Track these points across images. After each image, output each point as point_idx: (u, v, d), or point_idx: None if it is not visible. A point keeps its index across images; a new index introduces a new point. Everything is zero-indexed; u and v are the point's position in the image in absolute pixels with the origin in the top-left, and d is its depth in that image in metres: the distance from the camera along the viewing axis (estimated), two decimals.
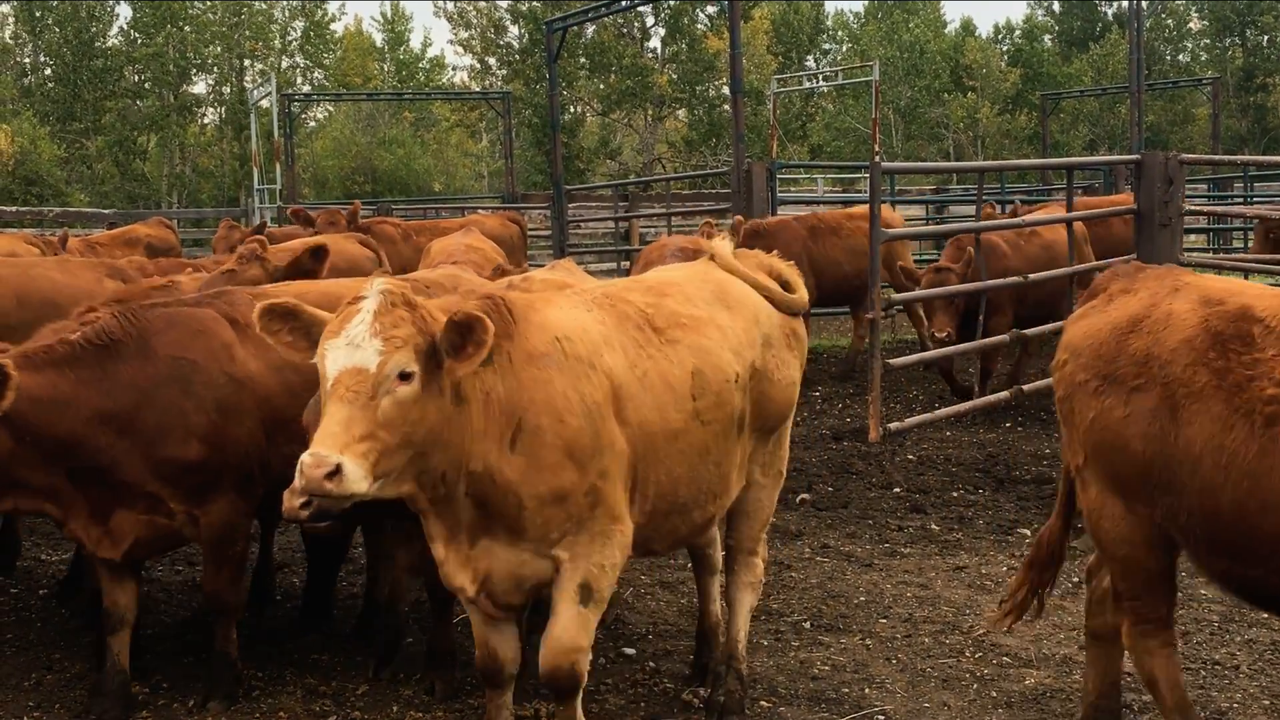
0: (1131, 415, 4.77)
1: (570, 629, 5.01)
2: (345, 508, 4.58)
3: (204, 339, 5.95)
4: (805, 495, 10.10)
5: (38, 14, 51.37)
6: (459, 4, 55.48)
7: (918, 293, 12.32)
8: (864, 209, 15.27)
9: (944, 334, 12.15)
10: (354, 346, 4.44)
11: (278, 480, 6.04)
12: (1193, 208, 13.17)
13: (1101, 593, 5.45)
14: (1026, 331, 13.14)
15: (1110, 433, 4.85)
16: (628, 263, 18.24)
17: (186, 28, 51.78)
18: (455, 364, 4.54)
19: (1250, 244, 14.88)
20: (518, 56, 53.68)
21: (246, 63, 54.74)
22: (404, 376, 4.46)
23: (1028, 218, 14.00)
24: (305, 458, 4.29)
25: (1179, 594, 7.64)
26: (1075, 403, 5.03)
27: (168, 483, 5.76)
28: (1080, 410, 4.99)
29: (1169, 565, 5.03)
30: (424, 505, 4.84)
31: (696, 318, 5.55)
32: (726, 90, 44.90)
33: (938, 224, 23.55)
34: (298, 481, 4.32)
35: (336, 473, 4.28)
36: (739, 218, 15.25)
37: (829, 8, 71.03)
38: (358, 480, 4.34)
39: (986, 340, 12.34)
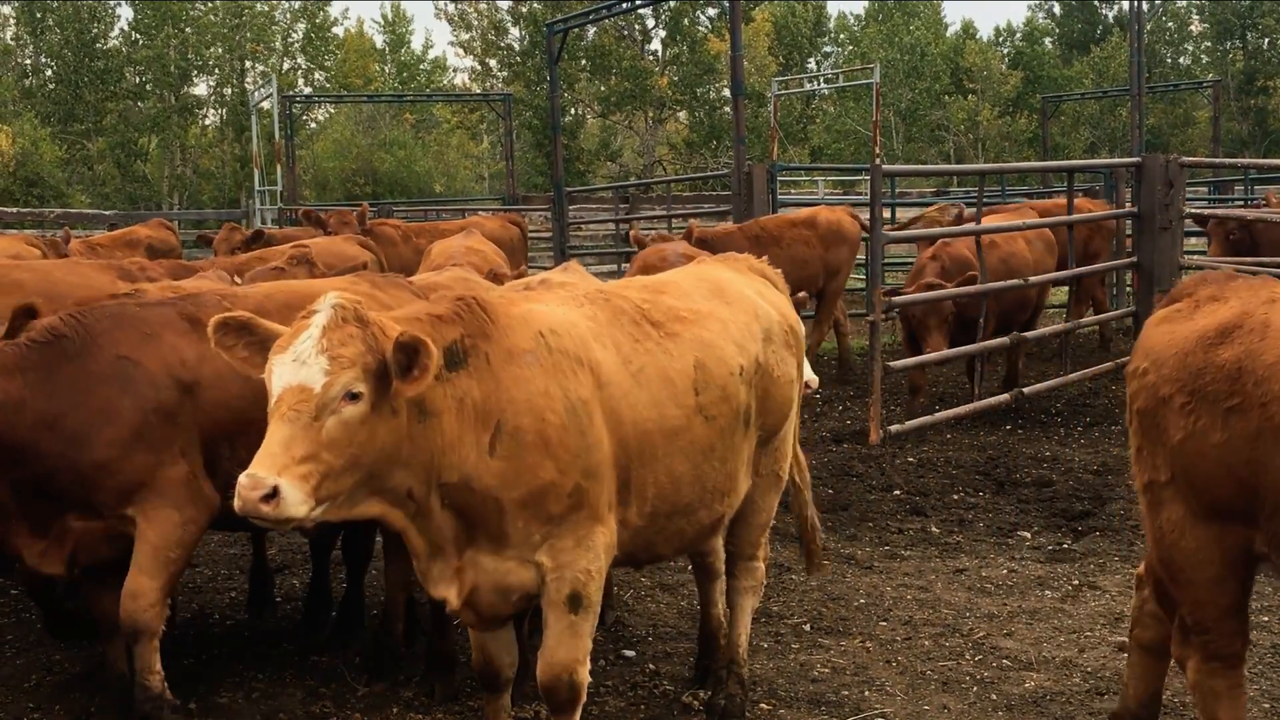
0: (1231, 440, 4.38)
1: (565, 642, 4.89)
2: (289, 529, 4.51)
3: (152, 341, 5.76)
4: None
5: (39, 15, 51.45)
6: (460, 6, 55.59)
7: (919, 295, 12.29)
8: (806, 214, 15.16)
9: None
10: (300, 363, 4.31)
11: (226, 490, 5.95)
12: (1193, 210, 13.17)
13: (1154, 604, 5.18)
14: (1027, 334, 13.15)
15: (1206, 457, 4.45)
16: (628, 264, 18.23)
17: (188, 29, 51.87)
18: (403, 385, 4.38)
19: (1211, 246, 14.53)
20: (518, 58, 53.74)
21: (248, 64, 54.84)
22: (351, 396, 4.32)
23: (1028, 220, 13.99)
24: (242, 479, 4.18)
25: None
26: (1160, 419, 4.63)
27: (100, 488, 5.54)
28: (1167, 428, 4.59)
29: (1247, 596, 4.70)
30: (400, 524, 4.68)
31: (696, 311, 5.48)
32: (727, 92, 44.92)
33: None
34: (235, 503, 4.20)
35: (273, 496, 4.15)
36: (693, 222, 15.19)
37: (830, 9, 71.07)
38: (296, 504, 4.20)
39: (985, 343, 12.34)
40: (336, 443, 4.31)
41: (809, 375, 8.39)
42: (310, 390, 4.27)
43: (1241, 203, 24.27)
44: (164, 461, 5.68)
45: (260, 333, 4.56)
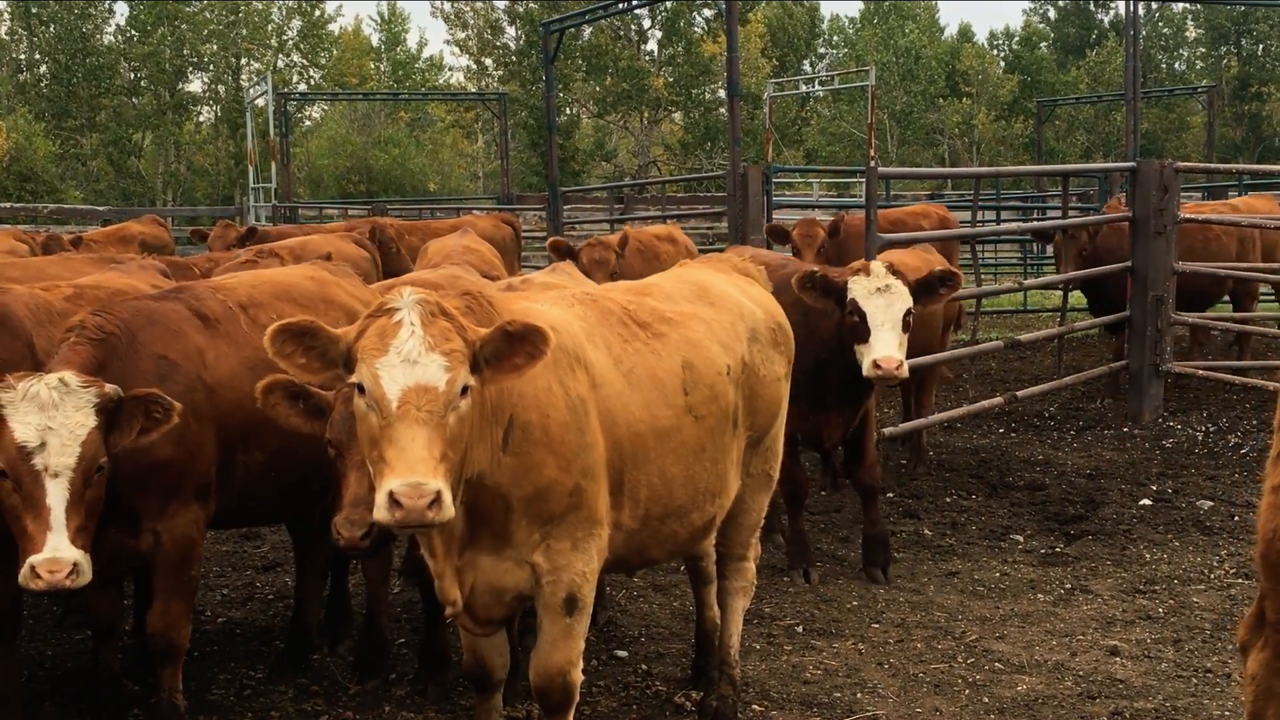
0: None
1: (560, 645, 4.88)
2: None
3: (180, 339, 5.66)
4: None
5: (33, 10, 51.38)
6: (456, 4, 55.58)
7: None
8: (666, 231, 14.79)
9: None
10: (412, 363, 4.16)
11: (240, 490, 5.88)
12: (1187, 215, 13.17)
13: None
14: (1022, 337, 13.14)
15: None
16: None
17: (183, 26, 51.82)
18: (498, 374, 4.35)
19: (1064, 263, 13.58)
20: (514, 58, 53.75)
21: (243, 61, 54.81)
22: (464, 391, 4.23)
23: (1030, 225, 13.98)
24: (400, 487, 4.00)
25: (1171, 601, 7.69)
26: None
27: (149, 492, 5.43)
28: None
29: None
30: None
31: (681, 312, 5.49)
32: (722, 93, 44.93)
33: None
34: (389, 514, 4.01)
35: (437, 501, 4.02)
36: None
37: (824, 10, 71.06)
38: (449, 505, 4.07)
39: (977, 347, 12.34)
40: (457, 439, 4.23)
41: (884, 353, 7.55)
42: (435, 389, 4.15)
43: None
44: (196, 467, 5.60)
45: (324, 338, 4.37)
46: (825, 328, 7.93)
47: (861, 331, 7.61)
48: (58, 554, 4.75)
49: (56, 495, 4.83)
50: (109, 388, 5.01)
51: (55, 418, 4.86)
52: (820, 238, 12.31)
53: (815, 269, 8.02)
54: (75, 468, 4.87)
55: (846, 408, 8.17)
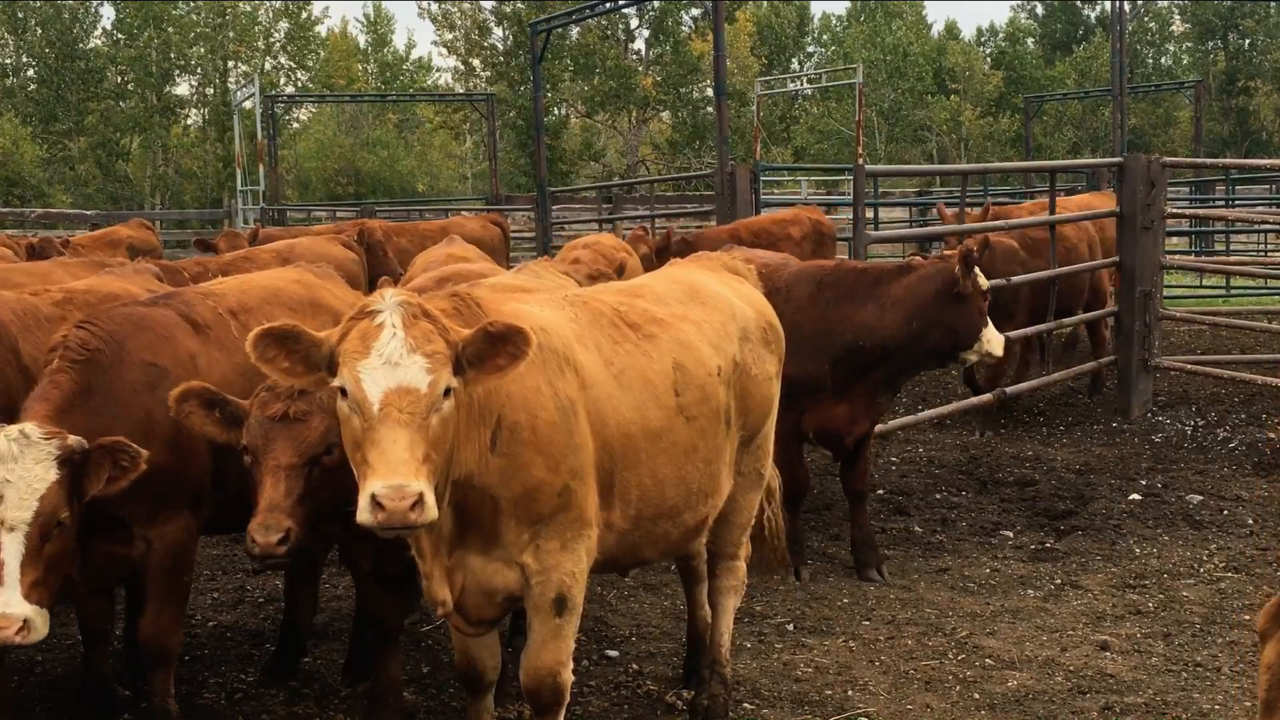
0: None
1: (550, 646, 4.87)
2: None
3: (170, 345, 5.61)
4: None
5: (20, 15, 51.31)
6: (443, 5, 55.54)
7: None
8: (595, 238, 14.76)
9: None
10: (393, 365, 4.15)
11: (233, 496, 5.75)
12: (1175, 210, 13.20)
13: None
14: (1011, 334, 13.16)
15: None
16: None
17: (170, 29, 51.77)
18: (481, 375, 4.34)
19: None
20: (502, 58, 53.75)
21: (230, 64, 54.77)
22: (447, 393, 4.22)
23: (1011, 220, 13.99)
24: (382, 489, 4.00)
25: (1160, 595, 7.71)
26: None
27: (139, 502, 5.33)
28: None
29: None
30: None
31: (672, 313, 5.49)
32: (710, 92, 44.95)
33: (920, 227, 23.56)
34: (372, 517, 4.01)
35: (419, 503, 4.02)
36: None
37: (813, 9, 71.09)
38: (432, 507, 4.06)
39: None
40: (440, 441, 4.23)
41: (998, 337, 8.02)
42: (417, 391, 4.15)
43: (1223, 203, 24.24)
44: (189, 474, 5.57)
45: (307, 341, 4.34)
46: (862, 315, 7.92)
47: (983, 315, 7.96)
48: (8, 610, 4.67)
49: (11, 549, 4.74)
50: (72, 439, 4.91)
51: (14, 470, 4.77)
52: (643, 253, 12.21)
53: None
54: (32, 522, 4.77)
55: (875, 399, 8.23)
